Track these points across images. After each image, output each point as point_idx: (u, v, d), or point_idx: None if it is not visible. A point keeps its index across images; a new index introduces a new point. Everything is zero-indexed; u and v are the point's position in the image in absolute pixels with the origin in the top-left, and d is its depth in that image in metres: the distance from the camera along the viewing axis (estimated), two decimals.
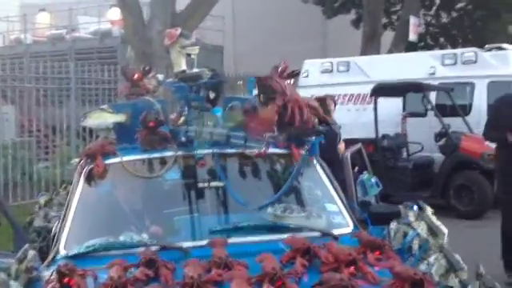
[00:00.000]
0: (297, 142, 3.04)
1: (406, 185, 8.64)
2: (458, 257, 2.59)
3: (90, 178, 3.32)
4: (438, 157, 9.19)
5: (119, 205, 3.38)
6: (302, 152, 3.38)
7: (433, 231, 2.72)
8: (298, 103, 2.63)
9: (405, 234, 2.93)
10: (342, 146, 6.20)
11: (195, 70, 3.68)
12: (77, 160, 4.16)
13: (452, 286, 2.47)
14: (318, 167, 3.45)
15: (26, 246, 2.85)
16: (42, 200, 4.57)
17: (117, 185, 3.46)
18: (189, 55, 3.76)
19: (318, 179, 3.39)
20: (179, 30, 3.73)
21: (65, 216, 3.21)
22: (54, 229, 3.73)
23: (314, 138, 2.86)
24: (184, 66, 3.74)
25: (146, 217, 3.25)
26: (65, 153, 9.59)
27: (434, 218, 2.80)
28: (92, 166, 3.32)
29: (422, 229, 2.74)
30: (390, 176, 8.13)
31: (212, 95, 3.58)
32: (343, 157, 3.78)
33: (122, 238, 2.93)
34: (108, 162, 3.33)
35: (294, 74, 3.42)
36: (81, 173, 3.36)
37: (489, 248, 6.28)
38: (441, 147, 9.00)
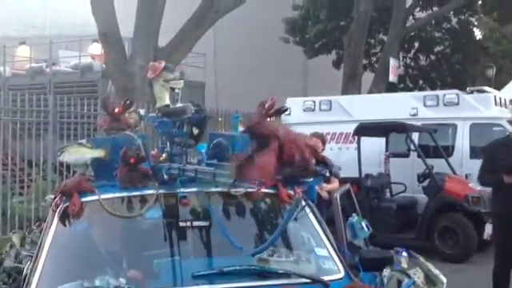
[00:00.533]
0: (294, 184, 2.85)
1: (391, 226, 8.51)
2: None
3: (64, 217, 3.12)
4: (421, 197, 9.11)
5: (95, 246, 3.18)
6: (291, 192, 3.25)
7: (430, 280, 2.56)
8: (294, 143, 2.45)
9: (399, 282, 2.78)
10: (335, 185, 6.03)
11: (179, 104, 3.54)
12: (52, 196, 3.96)
13: None
14: (307, 209, 3.30)
15: None
16: (15, 238, 4.33)
17: (93, 224, 3.26)
18: (173, 89, 3.61)
19: (307, 222, 3.23)
20: (163, 63, 3.59)
21: (37, 257, 3.00)
22: (25, 270, 3.51)
23: (311, 179, 2.62)
24: (167, 101, 3.58)
25: (123, 259, 3.05)
26: (41, 188, 9.31)
27: (431, 266, 2.66)
28: (67, 203, 3.13)
29: (418, 277, 2.58)
30: (373, 216, 7.98)
31: (196, 131, 3.43)
32: (332, 198, 3.64)
33: (97, 283, 2.73)
34: (85, 199, 3.14)
35: (282, 111, 3.31)
36: (55, 211, 3.16)
37: None
38: (425, 188, 8.92)
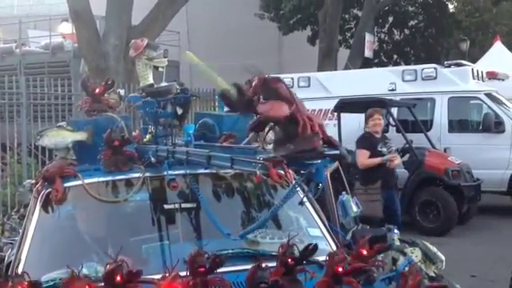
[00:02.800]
0: (300, 166, 2.49)
1: None
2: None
3: (47, 203, 3.01)
4: (401, 172, 9.12)
5: (81, 232, 3.08)
6: (281, 172, 3.17)
7: (429, 258, 2.53)
8: (307, 114, 2.10)
9: (394, 260, 2.73)
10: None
11: (164, 83, 3.42)
12: (30, 181, 3.83)
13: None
14: (298, 189, 3.23)
15: None
16: None
17: (78, 210, 3.16)
18: (156, 68, 3.49)
19: (298, 202, 3.16)
20: (146, 41, 3.46)
21: (20, 245, 2.88)
22: (6, 258, 3.40)
23: (319, 161, 2.20)
24: (151, 80, 3.47)
25: (110, 245, 2.94)
26: (16, 172, 9.08)
27: (428, 244, 2.62)
28: (50, 189, 3.01)
29: (416, 255, 2.54)
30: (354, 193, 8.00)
31: (180, 111, 3.31)
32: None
33: (84, 271, 2.62)
34: (68, 184, 3.02)
35: None
36: (37, 197, 3.04)
37: (456, 264, 6.30)
38: (405, 163, 8.94)
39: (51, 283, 2.51)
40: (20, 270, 2.59)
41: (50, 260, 2.84)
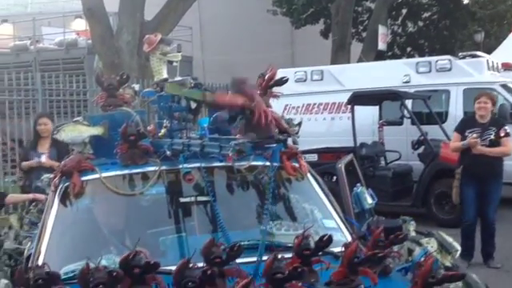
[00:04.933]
0: (260, 149, 2.83)
1: (387, 194, 8.49)
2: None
3: (65, 197, 3.05)
4: (416, 165, 9.11)
5: (99, 225, 3.12)
6: (296, 165, 3.19)
7: (445, 248, 2.53)
8: (263, 110, 2.56)
9: (410, 251, 2.74)
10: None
11: (178, 78, 3.43)
12: (48, 176, 3.87)
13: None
14: (313, 181, 3.26)
15: None
16: (13, 219, 4.25)
17: (95, 203, 3.19)
18: (170, 62, 3.51)
19: (313, 194, 3.18)
20: (159, 36, 3.48)
21: (39, 238, 2.93)
22: (26, 251, 3.45)
23: (275, 145, 2.73)
24: (165, 74, 3.48)
25: (128, 238, 2.98)
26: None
27: (444, 234, 2.63)
28: (68, 183, 3.05)
29: (431, 246, 2.55)
30: (369, 185, 7.97)
31: (193, 105, 3.33)
32: (337, 168, 3.59)
33: (103, 263, 2.66)
34: (85, 178, 3.06)
35: (283, 82, 3.23)
36: (55, 191, 3.08)
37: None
38: (420, 155, 8.92)
39: (70, 274, 2.54)
40: (40, 262, 2.64)
41: (69, 252, 2.89)
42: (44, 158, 6.17)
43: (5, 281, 2.52)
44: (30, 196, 5.36)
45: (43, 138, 6.30)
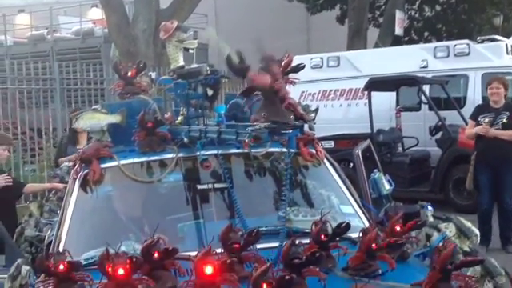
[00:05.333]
0: (277, 134, 2.81)
1: (404, 180, 8.46)
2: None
3: (85, 184, 3.09)
4: (434, 151, 9.04)
5: (118, 212, 3.16)
6: (312, 151, 3.19)
7: (463, 233, 2.52)
8: (284, 91, 2.57)
9: (428, 236, 2.73)
10: None
11: (194, 65, 3.44)
12: (68, 164, 3.92)
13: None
14: (330, 167, 3.25)
15: (19, 260, 2.61)
16: (33, 207, 4.32)
17: (114, 190, 3.24)
18: (186, 50, 3.51)
19: (330, 180, 3.18)
20: (175, 23, 3.48)
21: (60, 225, 2.97)
22: (46, 238, 3.51)
23: (291, 131, 2.73)
24: (182, 62, 3.49)
25: (147, 224, 3.01)
26: (51, 155, 9.28)
27: (462, 219, 2.61)
28: (87, 170, 3.08)
29: (450, 231, 2.54)
30: (386, 171, 7.94)
31: (210, 92, 3.34)
32: (354, 154, 3.58)
33: (123, 249, 2.69)
34: (104, 166, 3.09)
35: (299, 68, 3.22)
36: (75, 178, 3.12)
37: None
38: (438, 141, 8.85)
39: (91, 260, 2.58)
40: (61, 249, 2.68)
41: (89, 239, 2.93)
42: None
43: (26, 267, 2.56)
44: (48, 185, 5.43)
45: (80, 134, 6.26)
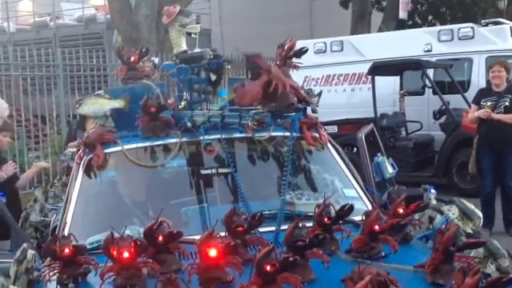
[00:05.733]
0: (279, 117, 2.94)
1: (408, 164, 8.47)
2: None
3: (89, 169, 3.10)
4: (438, 135, 9.03)
5: (122, 196, 3.17)
6: (316, 135, 3.20)
7: (466, 215, 2.53)
8: (280, 80, 2.59)
9: (431, 219, 2.74)
10: None
11: (197, 50, 3.44)
12: (72, 150, 3.93)
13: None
14: (333, 151, 3.26)
15: (25, 245, 2.63)
16: (37, 193, 4.34)
17: (118, 175, 3.25)
18: (189, 34, 3.51)
19: (333, 163, 3.19)
20: (178, 7, 3.48)
21: (65, 210, 2.99)
22: (51, 223, 3.53)
23: (293, 113, 2.79)
24: (184, 46, 3.50)
25: (151, 209, 3.03)
26: (55, 142, 9.31)
27: (465, 202, 2.62)
28: (91, 155, 3.09)
29: (453, 213, 2.54)
30: (390, 156, 7.94)
31: (213, 77, 3.34)
32: (357, 138, 3.58)
33: (128, 233, 2.71)
34: (108, 151, 3.11)
35: (302, 52, 3.21)
36: (79, 163, 3.13)
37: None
38: (441, 125, 8.84)
39: (96, 244, 2.60)
40: (66, 233, 2.70)
41: (94, 223, 2.95)
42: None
43: (32, 251, 2.58)
44: (33, 169, 5.41)
45: (89, 119, 6.27)
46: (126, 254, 2.22)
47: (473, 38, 9.56)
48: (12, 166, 4.78)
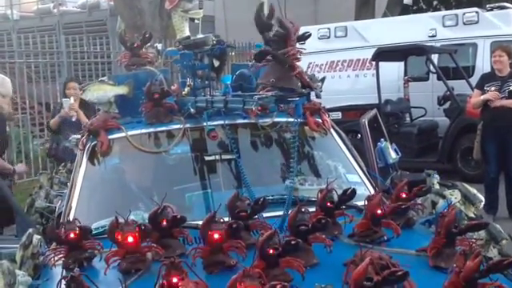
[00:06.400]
0: (283, 102, 2.88)
1: (412, 150, 8.46)
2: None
3: (93, 155, 3.12)
4: (442, 121, 9.02)
5: (126, 182, 3.20)
6: (319, 121, 3.20)
7: (468, 199, 2.54)
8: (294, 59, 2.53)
9: (433, 204, 2.75)
10: None
11: (200, 35, 3.44)
12: (76, 137, 3.95)
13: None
14: (336, 136, 3.27)
15: (30, 230, 2.66)
16: (43, 179, 4.37)
17: (122, 161, 3.27)
18: (192, 20, 3.51)
19: (336, 149, 3.20)
20: None
21: (69, 196, 3.01)
22: (57, 209, 3.56)
23: (297, 98, 2.74)
24: (187, 32, 3.50)
25: (155, 194, 3.05)
26: None
27: (468, 186, 2.63)
28: (95, 142, 3.11)
29: (455, 197, 2.55)
30: (394, 142, 7.93)
31: (216, 63, 3.34)
32: (361, 123, 3.58)
33: (132, 218, 2.73)
34: (112, 137, 3.12)
35: (306, 37, 3.20)
36: (83, 150, 3.15)
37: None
38: (446, 111, 8.83)
39: (100, 230, 2.62)
40: (71, 218, 2.72)
41: (99, 209, 2.97)
42: (67, 109, 6.09)
43: (37, 236, 2.61)
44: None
45: (69, 83, 6.36)
46: (130, 239, 2.24)
47: (477, 22, 9.51)
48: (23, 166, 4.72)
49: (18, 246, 2.56)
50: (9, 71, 9.69)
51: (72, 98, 6.11)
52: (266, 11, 2.90)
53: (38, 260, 2.55)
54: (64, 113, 6.09)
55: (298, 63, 2.60)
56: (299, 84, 2.72)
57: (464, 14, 9.76)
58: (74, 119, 6.02)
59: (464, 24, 9.62)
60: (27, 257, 2.51)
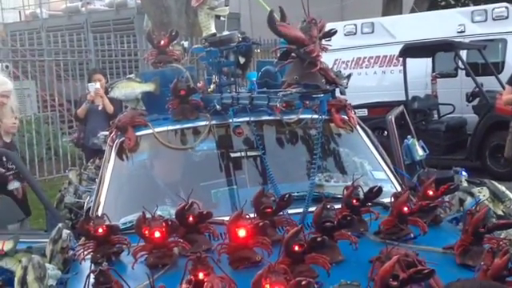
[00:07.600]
0: (308, 99, 2.80)
1: (440, 148, 8.37)
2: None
3: (121, 151, 3.16)
4: (471, 117, 8.89)
5: (153, 178, 3.24)
6: (345, 117, 3.19)
7: (497, 197, 2.50)
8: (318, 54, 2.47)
9: (461, 201, 2.72)
10: None
11: (226, 32, 3.45)
12: (104, 133, 4.01)
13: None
14: (362, 133, 3.25)
15: (60, 225, 2.71)
16: (72, 175, 4.44)
17: (149, 157, 3.31)
18: (218, 17, 3.52)
19: (362, 145, 3.18)
20: None
21: (98, 191, 3.06)
22: (85, 204, 3.61)
23: (322, 95, 2.66)
24: (213, 29, 3.50)
25: (181, 190, 3.08)
26: None
27: (496, 183, 2.60)
28: (123, 138, 3.16)
29: (483, 195, 2.52)
30: (422, 139, 7.85)
31: (242, 60, 3.35)
32: (387, 120, 3.56)
33: (159, 213, 2.77)
34: (139, 133, 3.16)
35: (332, 33, 3.19)
36: (112, 146, 3.20)
37: None
38: (475, 107, 8.70)
39: (128, 224, 2.66)
40: (100, 213, 2.77)
41: (126, 204, 3.01)
42: (93, 93, 6.10)
43: (67, 231, 2.66)
44: None
45: (95, 75, 6.43)
46: (157, 234, 2.27)
47: (507, 18, 9.34)
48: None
49: (47, 240, 2.61)
50: (38, 69, 9.88)
51: (98, 83, 6.18)
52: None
53: (68, 254, 2.60)
54: (90, 97, 6.15)
55: (321, 60, 2.58)
56: (323, 81, 2.71)
57: (493, 9, 9.59)
58: (100, 108, 6.09)
59: (493, 19, 9.46)
60: (57, 251, 2.56)
